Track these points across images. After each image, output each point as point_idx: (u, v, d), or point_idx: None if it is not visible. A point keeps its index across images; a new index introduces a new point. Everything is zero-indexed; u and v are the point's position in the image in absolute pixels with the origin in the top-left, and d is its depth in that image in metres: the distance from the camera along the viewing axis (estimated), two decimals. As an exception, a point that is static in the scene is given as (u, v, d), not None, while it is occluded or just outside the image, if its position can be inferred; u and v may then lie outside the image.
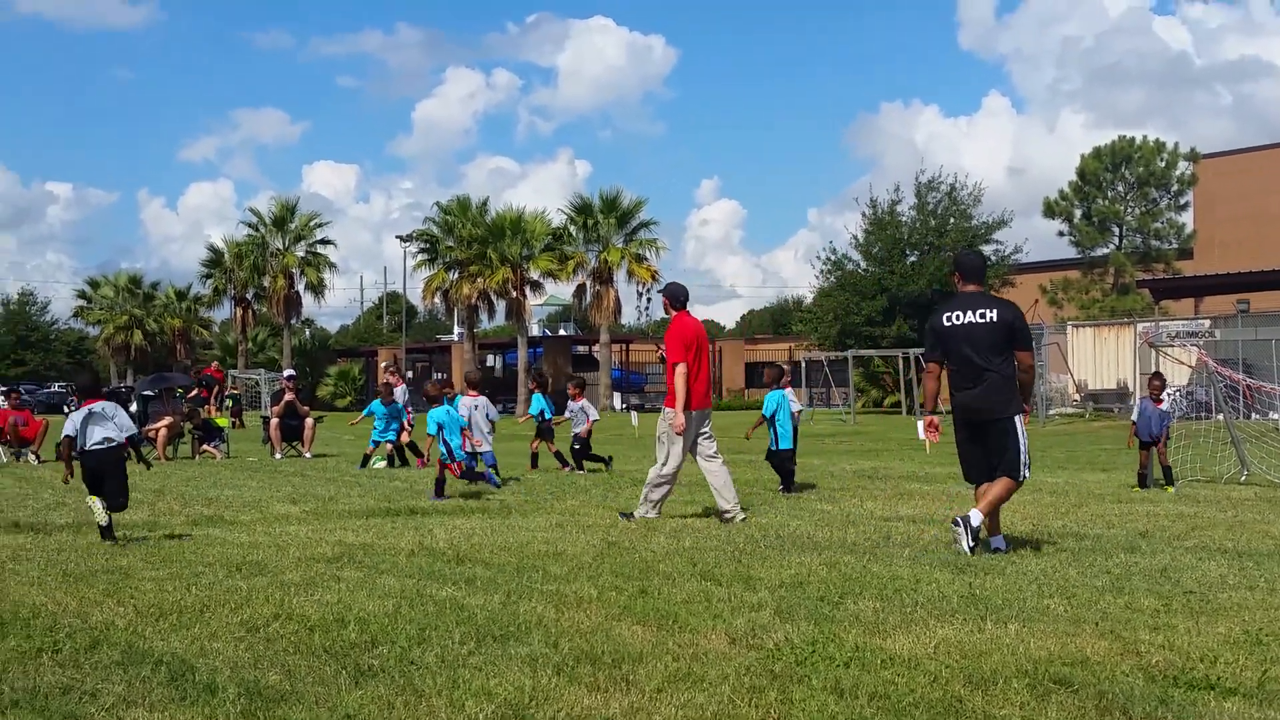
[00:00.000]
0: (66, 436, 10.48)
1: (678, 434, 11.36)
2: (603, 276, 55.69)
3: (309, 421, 23.26)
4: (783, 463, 14.71)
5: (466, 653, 5.79)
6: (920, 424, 9.64)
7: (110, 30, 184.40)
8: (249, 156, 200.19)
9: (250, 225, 65.19)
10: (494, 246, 55.38)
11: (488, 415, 16.40)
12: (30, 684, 5.15)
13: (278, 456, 22.45)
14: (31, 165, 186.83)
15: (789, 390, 15.35)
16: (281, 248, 64.07)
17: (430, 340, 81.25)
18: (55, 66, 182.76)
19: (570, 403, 19.23)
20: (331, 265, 65.40)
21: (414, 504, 13.06)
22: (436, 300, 60.31)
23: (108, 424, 10.55)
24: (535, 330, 66.74)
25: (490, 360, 69.07)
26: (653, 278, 55.54)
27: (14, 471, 19.21)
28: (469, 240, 56.26)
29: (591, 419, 19.07)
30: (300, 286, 64.08)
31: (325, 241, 65.53)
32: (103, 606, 7.00)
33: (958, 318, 9.12)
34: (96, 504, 10.07)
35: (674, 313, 11.94)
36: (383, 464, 19.77)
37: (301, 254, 64.04)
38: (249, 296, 66.36)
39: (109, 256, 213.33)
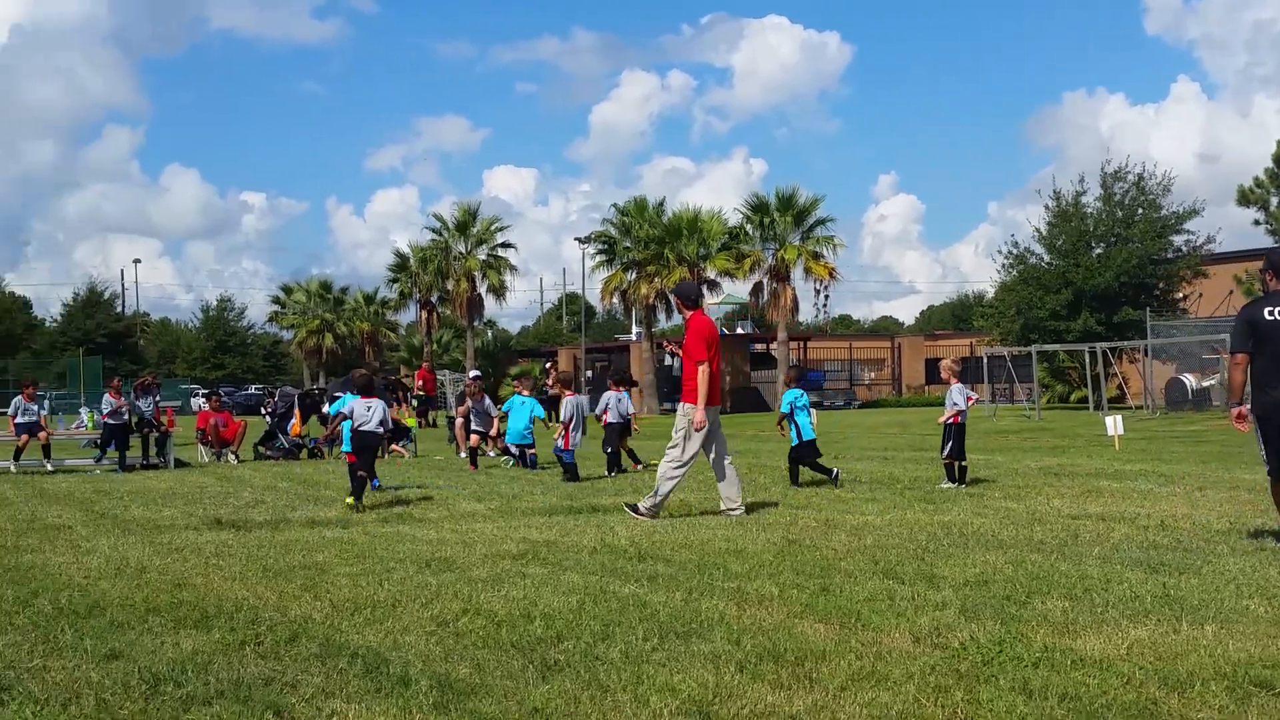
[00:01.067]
0: (341, 414, 14.32)
1: (697, 430, 11.69)
2: (780, 274, 55.35)
3: (494, 420, 23.65)
4: (804, 455, 15.28)
5: (650, 649, 5.83)
6: (1233, 415, 9.28)
7: (300, 45, 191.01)
8: (432, 163, 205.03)
9: (434, 230, 66.60)
10: (671, 246, 55.52)
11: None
12: (234, 675, 5.36)
13: (463, 455, 22.90)
14: (228, 177, 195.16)
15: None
16: (464, 251, 65.29)
17: (609, 340, 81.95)
18: (249, 81, 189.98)
19: (606, 393, 19.29)
20: (512, 268, 66.41)
21: (595, 501, 13.20)
22: (615, 300, 60.75)
23: (377, 416, 13.69)
24: (712, 329, 66.64)
25: (668, 359, 69.30)
26: (830, 275, 55.03)
27: (215, 471, 19.99)
28: (646, 240, 56.52)
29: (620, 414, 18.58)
30: (482, 289, 65.19)
31: (506, 245, 66.58)
32: (301, 601, 7.25)
33: (1278, 313, 8.88)
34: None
35: (689, 312, 12.27)
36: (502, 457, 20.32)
37: (483, 257, 65.15)
38: (433, 300, 67.75)
39: (301, 263, 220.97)
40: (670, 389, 63.46)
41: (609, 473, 17.30)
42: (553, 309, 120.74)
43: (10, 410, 20.88)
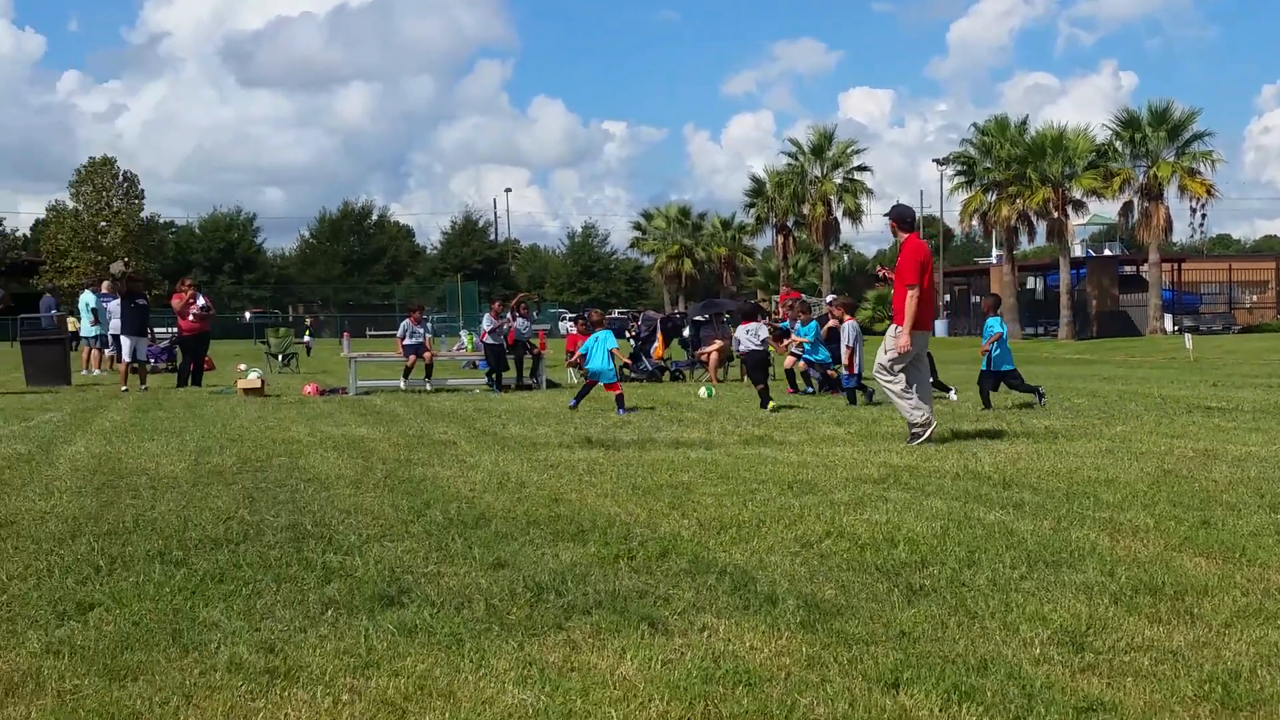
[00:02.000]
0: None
1: (901, 353, 11.65)
2: (1151, 193, 52.51)
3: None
4: (984, 382, 16.24)
5: (1018, 577, 5.73)
6: None
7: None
8: (787, 87, 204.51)
9: (789, 154, 66.68)
10: (1034, 166, 53.56)
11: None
12: (610, 587, 5.59)
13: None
14: (590, 107, 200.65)
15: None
16: (819, 175, 65.04)
17: (968, 263, 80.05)
18: (610, 12, 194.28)
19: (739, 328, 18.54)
20: (868, 191, 65.75)
21: (955, 427, 12.99)
22: (974, 223, 59.30)
23: (760, 334, 16.88)
24: (1078, 251, 64.07)
25: (1030, 282, 67.11)
26: (1208, 192, 51.83)
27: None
28: (1007, 161, 54.73)
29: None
30: (838, 213, 64.86)
31: (862, 168, 65.95)
32: (669, 518, 7.48)
33: None
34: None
35: (904, 235, 12.12)
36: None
37: (839, 181, 64.73)
38: (789, 224, 67.89)
39: (660, 189, 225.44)
40: (1032, 312, 61.54)
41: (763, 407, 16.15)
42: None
43: (399, 333, 22.30)
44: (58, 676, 4.33)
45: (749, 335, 17.46)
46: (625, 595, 5.43)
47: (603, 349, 16.38)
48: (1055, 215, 53.48)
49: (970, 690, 4.12)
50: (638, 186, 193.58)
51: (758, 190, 68.57)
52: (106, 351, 28.90)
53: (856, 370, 16.97)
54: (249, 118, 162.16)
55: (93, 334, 28.67)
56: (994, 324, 16.50)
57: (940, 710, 3.97)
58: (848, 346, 17.14)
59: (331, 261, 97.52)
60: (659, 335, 24.45)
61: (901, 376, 11.79)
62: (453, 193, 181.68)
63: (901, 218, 12.29)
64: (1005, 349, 16.26)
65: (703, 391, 18.21)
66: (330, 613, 5.15)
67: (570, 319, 25.23)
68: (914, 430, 11.66)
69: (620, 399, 15.85)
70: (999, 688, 4.15)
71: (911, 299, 11.65)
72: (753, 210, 70.05)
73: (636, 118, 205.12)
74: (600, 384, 16.55)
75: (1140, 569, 5.86)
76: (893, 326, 11.94)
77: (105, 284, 31.08)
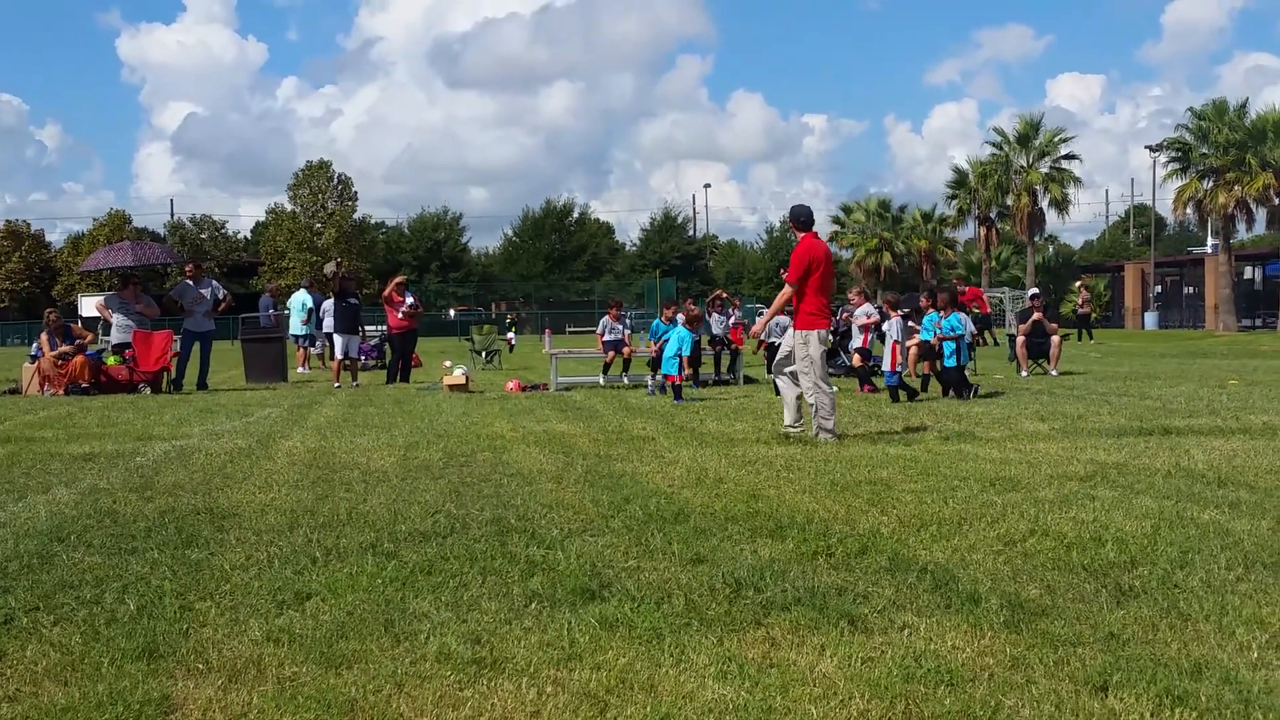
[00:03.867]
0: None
1: (814, 360, 11.88)
2: (1381, 177, 49.90)
3: (1055, 339, 23.01)
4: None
5: (1234, 579, 5.52)
6: None
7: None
8: (991, 75, 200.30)
9: (993, 144, 65.20)
10: (1254, 151, 51.34)
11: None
12: (809, 584, 5.58)
13: (1024, 374, 22.43)
14: (789, 100, 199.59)
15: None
16: (1025, 165, 63.46)
17: (1181, 253, 77.17)
18: (810, 3, 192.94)
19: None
20: (1076, 180, 63.83)
21: (1167, 423, 12.56)
22: (1188, 211, 57.25)
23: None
24: (1301, 238, 61.23)
25: (1248, 273, 64.35)
26: None
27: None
28: (1226, 146, 52.57)
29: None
30: (1044, 203, 63.15)
31: (1070, 156, 64.05)
32: (868, 515, 7.41)
33: None
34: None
35: (799, 234, 12.23)
36: None
37: (1045, 170, 63.03)
38: (992, 215, 66.43)
39: (859, 182, 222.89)
40: (1250, 303, 59.00)
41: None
42: (1119, 221, 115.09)
43: (599, 329, 22.57)
44: (278, 664, 4.52)
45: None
46: (824, 592, 5.41)
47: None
48: (1276, 202, 51.19)
49: (1183, 695, 3.99)
50: (837, 180, 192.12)
51: (960, 181, 67.26)
52: (313, 349, 29.95)
53: (899, 368, 16.87)
54: (455, 118, 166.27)
55: (303, 332, 29.70)
56: (955, 321, 17.31)
57: (1151, 715, 3.87)
58: (895, 341, 16.90)
59: (533, 259, 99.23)
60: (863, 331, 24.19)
61: (826, 379, 12.01)
62: (652, 189, 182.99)
63: (795, 217, 12.42)
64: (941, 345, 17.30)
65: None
66: (534, 605, 5.26)
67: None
68: (825, 433, 11.79)
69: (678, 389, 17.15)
70: (1214, 693, 4.01)
71: (780, 297, 12.24)
72: (954, 202, 68.72)
73: (836, 110, 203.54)
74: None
75: (1367, 573, 5.59)
76: (794, 333, 12.19)
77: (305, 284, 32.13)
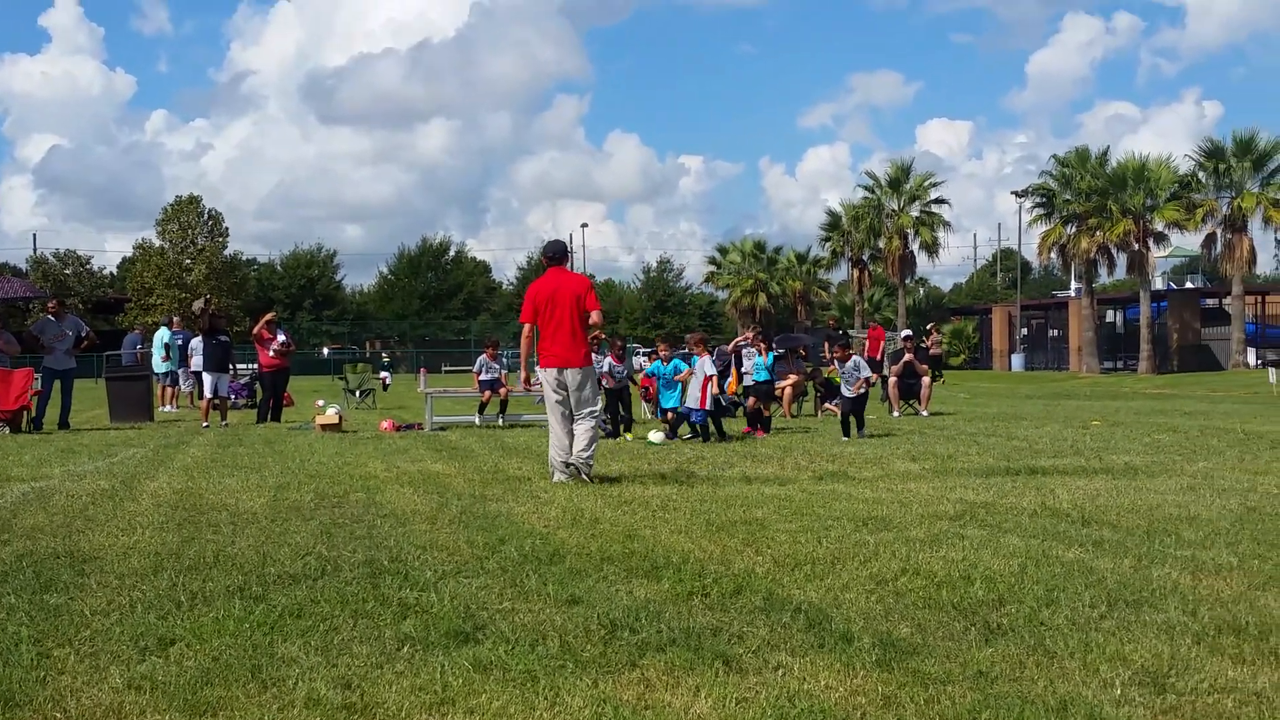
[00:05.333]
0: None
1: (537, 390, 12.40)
2: (1235, 224, 51.72)
3: (925, 380, 23.45)
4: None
5: (1098, 616, 5.65)
6: None
7: (736, 7, 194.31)
8: (863, 119, 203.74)
9: (866, 188, 66.56)
10: (1114, 197, 52.96)
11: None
12: (685, 624, 5.58)
13: (895, 414, 22.80)
14: (666, 141, 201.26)
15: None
16: (896, 208, 64.79)
17: (1046, 296, 79.22)
18: (686, 46, 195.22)
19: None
20: (945, 224, 65.40)
21: (1033, 463, 12.84)
22: (1052, 255, 58.74)
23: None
24: (1159, 284, 63.25)
25: (1110, 315, 66.26)
26: (1294, 223, 51.05)
27: (661, 427, 20.74)
28: (1088, 192, 54.17)
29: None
30: (914, 246, 64.53)
31: (939, 200, 65.61)
32: (743, 555, 7.45)
33: None
34: None
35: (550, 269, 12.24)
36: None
37: (916, 214, 64.42)
38: (865, 258, 67.71)
39: (735, 223, 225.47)
40: (1112, 346, 60.73)
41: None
42: (986, 265, 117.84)
43: (475, 368, 22.45)
44: (139, 712, 4.39)
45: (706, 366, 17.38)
46: (699, 632, 5.42)
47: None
48: (1136, 248, 52.82)
49: (1049, 732, 4.06)
50: (713, 221, 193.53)
51: (833, 224, 68.48)
52: (179, 387, 29.34)
53: (708, 406, 16.81)
54: (329, 154, 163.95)
55: (163, 370, 29.11)
56: (707, 364, 17.14)
57: (1018, 752, 3.92)
58: (707, 376, 16.82)
59: (409, 297, 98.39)
60: (734, 370, 24.39)
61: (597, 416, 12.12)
62: (529, 228, 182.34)
63: (543, 251, 12.73)
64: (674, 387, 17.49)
65: (654, 436, 16.84)
66: (406, 649, 5.19)
67: (645, 354, 25.23)
68: (587, 462, 11.82)
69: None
70: (1078, 730, 4.09)
71: (524, 337, 12.00)
72: (828, 244, 69.92)
73: (712, 152, 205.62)
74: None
75: (1224, 608, 5.76)
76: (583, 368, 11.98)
77: (177, 320, 31.61)
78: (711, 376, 16.83)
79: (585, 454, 11.77)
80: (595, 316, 11.89)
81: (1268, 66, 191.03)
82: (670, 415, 17.51)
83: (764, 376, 18.82)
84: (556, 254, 12.32)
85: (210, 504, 10.13)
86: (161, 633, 5.48)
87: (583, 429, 11.80)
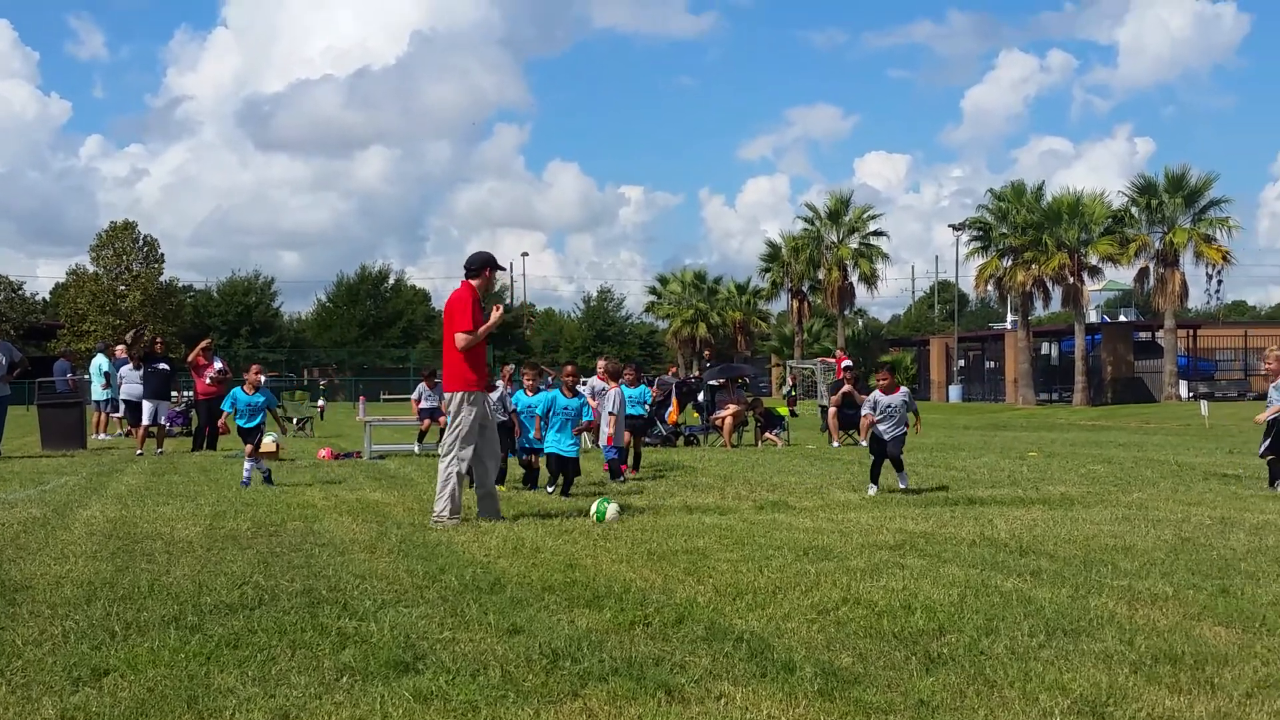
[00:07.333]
0: None
1: (463, 426, 10.88)
2: (1167, 259, 52.65)
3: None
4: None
5: (1037, 645, 5.69)
6: None
7: (675, 40, 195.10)
8: (802, 152, 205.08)
9: (805, 219, 67.22)
10: (1049, 232, 53.74)
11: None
12: (627, 654, 5.56)
13: (835, 445, 22.92)
14: (606, 171, 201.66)
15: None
16: (836, 240, 65.46)
17: (983, 328, 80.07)
18: (626, 77, 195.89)
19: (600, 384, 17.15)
20: (884, 255, 66.22)
21: (971, 493, 12.94)
22: (989, 288, 59.50)
23: None
24: (1093, 317, 64.15)
25: (1045, 348, 67.06)
26: (1224, 258, 52.05)
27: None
28: (1023, 226, 54.93)
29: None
30: (854, 277, 65.19)
31: (878, 233, 66.45)
32: (685, 584, 7.44)
33: None
34: None
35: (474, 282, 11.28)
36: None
37: (855, 245, 65.11)
38: (804, 289, 68.20)
39: (674, 253, 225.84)
40: (1047, 378, 61.40)
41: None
42: (924, 297, 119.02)
43: (414, 396, 22.34)
44: (72, 742, 4.31)
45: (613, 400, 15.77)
46: (641, 662, 5.40)
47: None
48: (1071, 281, 53.57)
49: (990, 761, 4.08)
50: (653, 251, 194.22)
51: (773, 255, 69.00)
52: (115, 415, 28.94)
53: (616, 442, 15.50)
54: (267, 181, 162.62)
55: (103, 397, 28.73)
56: (612, 398, 15.69)
57: (959, 781, 3.94)
58: (610, 414, 15.50)
59: (347, 325, 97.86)
60: (674, 400, 24.45)
61: (467, 454, 10.85)
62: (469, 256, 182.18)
63: (466, 265, 11.43)
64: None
65: (597, 510, 11.05)
66: (345, 679, 5.14)
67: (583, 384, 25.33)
68: (436, 516, 10.73)
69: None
70: (1019, 758, 4.11)
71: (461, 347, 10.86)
72: (768, 275, 70.45)
73: (652, 182, 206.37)
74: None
75: (1159, 638, 5.82)
76: (447, 396, 11.11)
77: (119, 348, 31.22)
78: (613, 414, 15.48)
79: (436, 503, 10.86)
80: (458, 340, 10.85)
81: (1197, 105, 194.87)
82: (535, 460, 14.36)
83: (638, 411, 17.25)
84: (467, 266, 11.38)
85: (145, 532, 9.99)
86: (95, 663, 5.39)
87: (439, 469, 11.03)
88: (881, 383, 13.82)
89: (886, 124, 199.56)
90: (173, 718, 4.60)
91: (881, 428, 13.57)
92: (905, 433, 13.64)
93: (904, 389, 13.98)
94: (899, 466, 13.58)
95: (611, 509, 10.93)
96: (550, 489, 13.51)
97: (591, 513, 10.93)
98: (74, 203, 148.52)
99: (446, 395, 11.12)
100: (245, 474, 14.68)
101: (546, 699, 4.85)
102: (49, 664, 5.40)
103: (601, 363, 17.96)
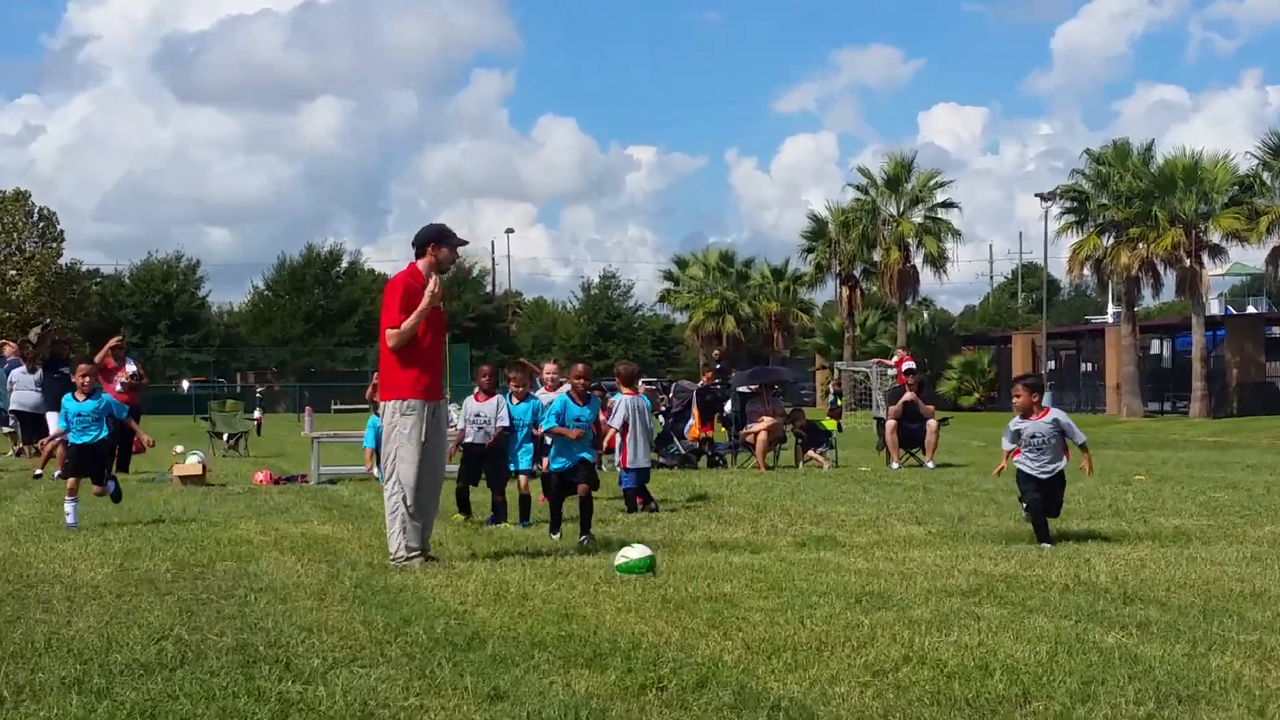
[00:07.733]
0: None
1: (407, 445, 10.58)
2: (1307, 236, 52.58)
3: (932, 424, 23.56)
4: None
5: (1145, 714, 5.70)
6: None
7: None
8: (853, 104, 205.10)
9: (857, 188, 66.98)
10: (1161, 202, 53.66)
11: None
12: (637, 724, 5.59)
13: (895, 466, 22.92)
14: (610, 128, 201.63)
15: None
16: (895, 213, 65.31)
17: (1078, 322, 80.00)
18: (636, 12, 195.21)
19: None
20: (955, 232, 66.05)
21: (1063, 527, 12.92)
22: (1086, 272, 59.41)
23: None
24: (1215, 307, 64.08)
25: (1155, 346, 67.04)
26: (1379, 235, 51.93)
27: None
28: (1128, 196, 54.85)
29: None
30: (917, 259, 65.03)
31: (948, 204, 66.24)
32: (708, 639, 7.45)
33: None
34: None
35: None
36: None
37: (919, 220, 64.96)
38: (856, 273, 68.05)
39: (696, 229, 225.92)
40: (1157, 384, 61.28)
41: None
42: (1005, 284, 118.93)
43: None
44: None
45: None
46: (654, 736, 5.42)
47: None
48: (1187, 263, 53.50)
49: None
50: (669, 227, 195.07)
51: (818, 232, 68.79)
52: (3, 428, 29.01)
53: (631, 464, 15.26)
54: (190, 140, 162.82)
55: (-10, 407, 28.79)
56: (623, 408, 15.34)
57: None
58: (615, 429, 15.48)
59: (290, 319, 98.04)
60: (695, 411, 24.43)
61: (410, 475, 10.54)
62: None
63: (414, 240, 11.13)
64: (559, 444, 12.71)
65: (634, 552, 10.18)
66: (288, 756, 5.16)
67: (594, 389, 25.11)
68: (393, 556, 10.56)
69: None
70: None
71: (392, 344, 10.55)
72: (811, 256, 70.26)
73: (668, 142, 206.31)
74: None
75: (1297, 705, 5.83)
76: (383, 404, 10.94)
77: (8, 348, 31.25)
78: (616, 429, 15.39)
79: (389, 541, 10.73)
80: (388, 338, 10.57)
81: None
82: (524, 480, 14.37)
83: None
84: (412, 244, 11.12)
85: (41, 574, 10.03)
86: (-22, 736, 5.42)
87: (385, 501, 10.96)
88: (1018, 401, 12.35)
89: (958, 69, 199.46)
90: (74, 803, 4.62)
91: (1030, 466, 12.08)
92: (1064, 468, 12.17)
93: (1055, 410, 12.58)
94: (1050, 512, 12.09)
95: (635, 551, 10.15)
96: (555, 534, 12.55)
97: (617, 560, 10.14)
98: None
99: (381, 406, 10.98)
100: (69, 516, 13.48)
101: (536, 781, 4.86)
102: (-78, 737, 5.43)
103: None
